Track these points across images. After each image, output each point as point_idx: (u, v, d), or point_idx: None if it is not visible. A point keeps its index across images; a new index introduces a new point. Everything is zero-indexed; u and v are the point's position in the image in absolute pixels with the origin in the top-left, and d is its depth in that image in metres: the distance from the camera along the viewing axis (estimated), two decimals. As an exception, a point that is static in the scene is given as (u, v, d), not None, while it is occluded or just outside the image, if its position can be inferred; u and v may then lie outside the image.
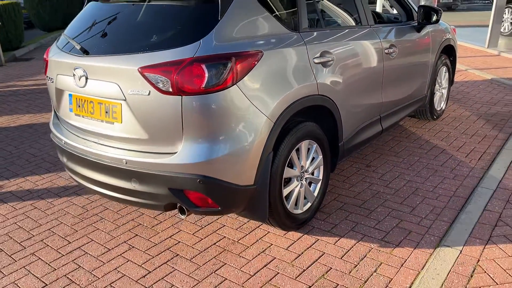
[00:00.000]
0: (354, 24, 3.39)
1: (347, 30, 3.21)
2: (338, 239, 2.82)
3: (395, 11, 5.16)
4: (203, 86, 2.24)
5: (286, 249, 2.75)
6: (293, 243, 2.80)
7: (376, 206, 3.19)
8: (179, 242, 2.88)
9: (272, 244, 2.80)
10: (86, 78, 2.56)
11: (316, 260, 2.63)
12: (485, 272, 2.43)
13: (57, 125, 3.09)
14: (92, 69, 2.53)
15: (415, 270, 2.49)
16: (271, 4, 2.65)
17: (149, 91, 2.32)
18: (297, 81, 2.64)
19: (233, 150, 2.37)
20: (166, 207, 2.56)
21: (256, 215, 2.65)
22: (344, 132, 3.16)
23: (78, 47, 2.63)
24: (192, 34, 2.34)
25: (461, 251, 2.61)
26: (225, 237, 2.92)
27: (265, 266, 2.60)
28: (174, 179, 2.39)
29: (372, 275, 2.47)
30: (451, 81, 5.12)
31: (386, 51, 3.53)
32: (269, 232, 2.94)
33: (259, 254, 2.71)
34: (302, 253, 2.70)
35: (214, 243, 2.84)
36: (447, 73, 4.95)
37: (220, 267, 2.60)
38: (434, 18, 4.03)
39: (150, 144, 2.45)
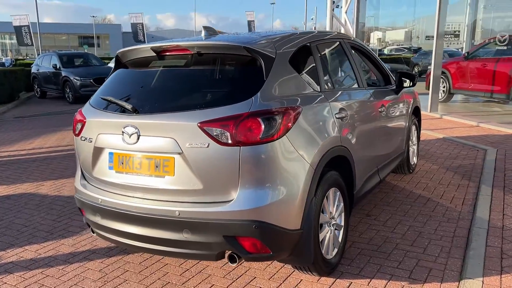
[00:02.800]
0: (355, 86, 3.83)
1: (351, 91, 3.63)
2: (370, 281, 2.99)
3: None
4: (260, 137, 2.46)
5: (325, 293, 2.86)
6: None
7: (391, 249, 3.42)
8: (217, 295, 2.90)
9: (310, 290, 2.91)
10: (138, 135, 2.68)
11: (357, 300, 2.76)
12: (510, 297, 2.70)
13: (85, 186, 3.10)
14: (146, 126, 2.67)
15: (449, 301, 2.71)
16: (299, 68, 2.99)
17: (208, 143, 2.49)
18: (327, 133, 2.94)
19: (284, 195, 2.55)
20: (218, 255, 2.62)
21: (302, 259, 2.77)
22: (357, 181, 3.45)
23: (128, 106, 2.77)
24: (243, 93, 2.60)
25: (483, 282, 2.88)
26: (261, 287, 2.98)
27: (311, 310, 2.69)
28: (230, 226, 2.50)
29: (413, 309, 2.65)
30: (418, 139, 5.70)
31: (379, 109, 3.98)
32: (302, 279, 3.04)
33: (300, 300, 2.80)
34: (341, 295, 2.83)
35: (253, 294, 2.90)
36: (416, 131, 5.53)
37: (268, 315, 2.65)
38: (410, 83, 4.61)
39: (204, 193, 2.56)
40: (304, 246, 2.69)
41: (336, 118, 3.10)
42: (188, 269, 3.27)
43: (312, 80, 3.09)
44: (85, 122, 3.02)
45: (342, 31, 12.21)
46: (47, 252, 3.70)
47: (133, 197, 2.80)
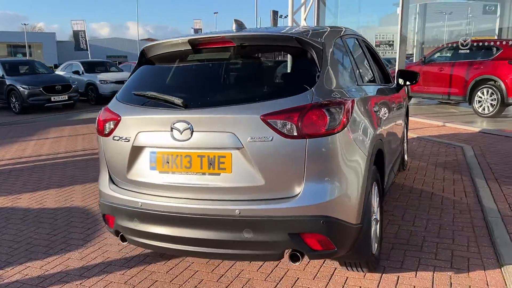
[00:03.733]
0: (376, 81, 3.84)
1: (373, 86, 3.63)
2: (416, 273, 2.97)
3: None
4: (326, 128, 2.37)
5: (377, 288, 2.81)
6: (379, 283, 2.87)
7: (420, 242, 3.44)
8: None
9: (362, 287, 2.84)
10: (192, 131, 2.49)
11: (412, 293, 2.73)
12: (554, 279, 2.79)
13: (117, 190, 2.83)
14: (201, 121, 2.49)
15: (501, 286, 2.76)
16: (340, 61, 2.94)
17: (272, 136, 2.36)
18: (372, 126, 2.91)
19: (348, 188, 2.47)
20: (281, 255, 2.48)
21: (360, 254, 2.70)
22: (385, 176, 3.45)
23: (178, 101, 2.56)
24: (300, 84, 2.50)
25: (523, 266, 2.96)
26: (308, 287, 2.86)
27: (371, 306, 2.62)
28: (296, 223, 2.38)
29: (470, 297, 2.66)
30: (407, 137, 5.85)
31: (392, 105, 4.03)
32: (348, 277, 2.97)
33: (355, 297, 2.73)
34: (394, 289, 2.79)
35: (304, 295, 2.78)
36: (405, 130, 5.67)
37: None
38: (407, 82, 4.72)
39: (266, 190, 2.42)
40: (363, 241, 2.62)
41: (374, 111, 3.08)
42: (223, 274, 3.08)
43: (351, 73, 3.05)
44: (119, 120, 2.77)
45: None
46: (54, 267, 3.35)
47: (182, 198, 2.59)
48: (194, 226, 2.56)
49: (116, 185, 2.86)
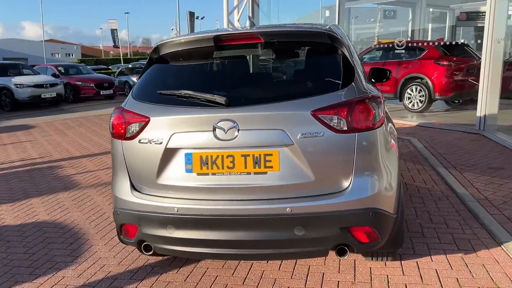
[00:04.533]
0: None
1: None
2: (430, 257, 3.14)
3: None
4: (373, 122, 2.41)
5: (403, 274, 2.91)
6: (403, 270, 2.98)
7: (420, 229, 3.63)
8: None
9: (389, 275, 2.93)
10: (238, 130, 2.39)
11: (447, 276, 2.88)
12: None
13: (143, 197, 2.63)
14: (248, 119, 2.41)
15: (509, 261, 3.01)
16: (358, 64, 3.00)
17: (323, 132, 2.35)
18: (391, 120, 3.02)
19: (389, 179, 2.54)
20: (328, 250, 2.47)
21: (396, 243, 2.77)
22: None
23: (220, 99, 2.44)
24: (341, 79, 2.53)
25: (519, 242, 3.26)
26: (338, 281, 2.89)
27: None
28: (346, 217, 2.39)
29: (492, 273, 2.87)
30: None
31: None
32: (371, 267, 3.04)
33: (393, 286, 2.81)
34: (421, 274, 2.91)
35: (337, 288, 2.80)
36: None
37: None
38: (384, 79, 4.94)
39: (315, 185, 2.40)
40: (399, 230, 2.70)
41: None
42: (246, 277, 2.99)
43: (363, 70, 3.14)
44: (147, 121, 2.57)
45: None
46: (76, 281, 3.03)
47: (225, 200, 2.48)
48: (238, 228, 2.47)
49: (140, 192, 2.65)
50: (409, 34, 17.87)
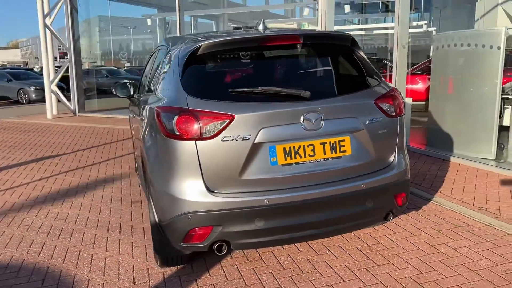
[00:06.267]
0: None
1: None
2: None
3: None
4: (404, 109, 3.04)
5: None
6: (418, 217, 3.71)
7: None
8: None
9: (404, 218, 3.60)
10: (323, 120, 2.66)
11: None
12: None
13: (224, 196, 2.61)
14: (330, 110, 2.70)
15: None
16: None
17: (382, 117, 2.87)
18: None
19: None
20: (383, 216, 2.97)
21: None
22: None
23: (306, 94, 2.66)
24: (375, 75, 3.07)
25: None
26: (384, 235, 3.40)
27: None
28: (396, 186, 2.96)
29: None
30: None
31: None
32: (389, 224, 3.65)
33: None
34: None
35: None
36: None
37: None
38: None
39: (375, 163, 2.89)
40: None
41: None
42: (300, 269, 3.20)
43: None
44: (232, 119, 2.55)
45: (51, 42, 11.38)
46: None
47: (309, 185, 2.70)
48: (321, 209, 2.73)
49: (217, 191, 2.62)
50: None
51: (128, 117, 5.71)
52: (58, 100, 11.82)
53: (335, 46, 3.13)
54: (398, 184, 2.95)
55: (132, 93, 4.90)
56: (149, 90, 3.79)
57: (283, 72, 3.01)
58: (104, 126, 9.87)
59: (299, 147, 2.66)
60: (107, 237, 3.74)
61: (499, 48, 5.32)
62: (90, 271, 3.15)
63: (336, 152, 2.74)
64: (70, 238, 3.75)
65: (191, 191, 2.60)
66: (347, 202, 2.77)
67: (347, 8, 13.69)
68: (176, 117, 2.57)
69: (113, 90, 4.94)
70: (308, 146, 2.67)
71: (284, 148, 2.64)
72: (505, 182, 4.76)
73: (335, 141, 2.73)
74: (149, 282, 2.98)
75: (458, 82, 5.85)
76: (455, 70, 5.93)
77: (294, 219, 2.67)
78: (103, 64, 26.83)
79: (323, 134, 2.69)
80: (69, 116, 11.78)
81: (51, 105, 11.43)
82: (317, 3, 8.28)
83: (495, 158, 5.50)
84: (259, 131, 2.58)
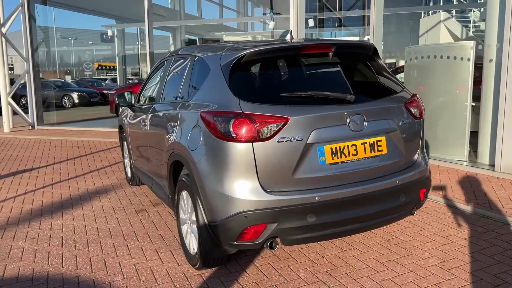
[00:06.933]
0: None
1: None
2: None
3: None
4: (424, 112, 3.35)
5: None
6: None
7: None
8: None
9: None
10: (365, 122, 2.89)
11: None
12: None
13: (278, 194, 2.74)
14: (372, 112, 2.94)
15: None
16: None
17: (411, 119, 3.16)
18: None
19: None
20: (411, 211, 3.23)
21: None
22: None
23: (350, 97, 2.88)
24: (398, 81, 3.35)
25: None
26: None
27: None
28: (422, 182, 3.23)
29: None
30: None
31: None
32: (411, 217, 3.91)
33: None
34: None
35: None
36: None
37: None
38: None
39: (404, 160, 3.16)
40: None
41: None
42: (332, 264, 3.37)
43: None
44: (286, 121, 2.70)
45: (6, 52, 10.88)
46: None
47: (353, 182, 2.89)
48: (364, 204, 2.93)
49: (271, 190, 2.75)
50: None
51: (120, 127, 5.64)
52: (14, 113, 11.26)
53: (362, 54, 3.38)
54: (423, 180, 3.22)
55: (132, 102, 4.90)
56: (169, 98, 3.84)
57: (323, 77, 3.21)
58: (71, 139, 9.55)
59: (344, 147, 2.86)
60: (127, 245, 3.71)
61: (469, 59, 5.87)
62: (124, 278, 3.14)
63: (374, 151, 2.96)
64: (88, 248, 3.69)
65: (247, 190, 2.71)
66: (385, 197, 3.00)
67: (311, 22, 14.21)
68: (232, 121, 2.68)
69: (116, 99, 4.92)
70: (351, 146, 2.88)
71: (331, 148, 2.83)
72: None
73: (374, 141, 2.96)
74: (190, 284, 3.02)
75: (433, 91, 6.36)
76: (429, 80, 6.44)
77: (341, 214, 2.85)
78: (41, 77, 25.85)
79: (364, 134, 2.92)
80: (27, 129, 11.25)
81: (8, 118, 10.88)
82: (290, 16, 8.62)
83: (467, 160, 6.02)
84: (311, 132, 2.76)
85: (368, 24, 18.35)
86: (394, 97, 3.17)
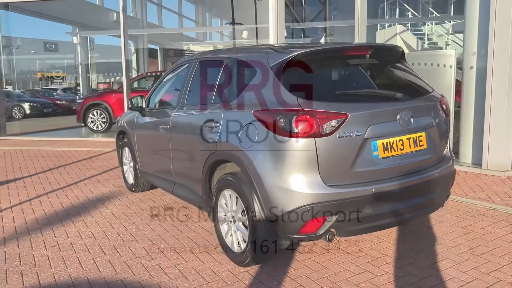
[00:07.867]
0: None
1: None
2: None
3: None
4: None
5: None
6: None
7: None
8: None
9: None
10: (412, 118, 3.09)
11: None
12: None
13: (339, 187, 2.88)
14: (418, 109, 3.17)
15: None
16: None
17: (443, 116, 3.41)
18: None
19: None
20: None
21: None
22: None
23: (399, 95, 3.10)
24: (428, 83, 3.59)
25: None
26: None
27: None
28: (451, 176, 3.49)
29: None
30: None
31: None
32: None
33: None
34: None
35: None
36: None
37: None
38: None
39: (438, 155, 3.39)
40: None
41: None
42: (371, 256, 3.51)
43: None
44: (346, 117, 2.84)
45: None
46: None
47: (402, 175, 3.07)
48: (411, 195, 3.13)
49: (330, 183, 2.87)
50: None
51: (121, 132, 5.51)
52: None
53: (393, 56, 3.59)
54: (452, 173, 3.48)
55: (144, 106, 4.85)
56: (198, 101, 3.86)
57: (368, 77, 3.40)
58: (44, 149, 9.13)
59: (393, 142, 3.04)
60: (158, 248, 3.67)
61: (451, 66, 6.31)
62: (170, 279, 3.12)
63: (417, 146, 3.17)
64: (118, 252, 3.61)
65: (309, 184, 2.82)
66: (428, 188, 3.22)
67: (244, 34, 14.70)
68: (295, 117, 2.78)
69: (128, 103, 4.86)
70: (399, 141, 3.07)
71: (383, 143, 3.00)
72: None
73: (416, 137, 3.17)
74: (241, 280, 3.06)
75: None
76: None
77: (393, 205, 3.04)
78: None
79: (410, 130, 3.11)
80: (-11, 140, 10.63)
81: (-31, 129, 10.24)
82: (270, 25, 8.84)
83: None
84: (368, 127, 2.91)
85: (330, 35, 18.97)
86: (430, 96, 3.40)
